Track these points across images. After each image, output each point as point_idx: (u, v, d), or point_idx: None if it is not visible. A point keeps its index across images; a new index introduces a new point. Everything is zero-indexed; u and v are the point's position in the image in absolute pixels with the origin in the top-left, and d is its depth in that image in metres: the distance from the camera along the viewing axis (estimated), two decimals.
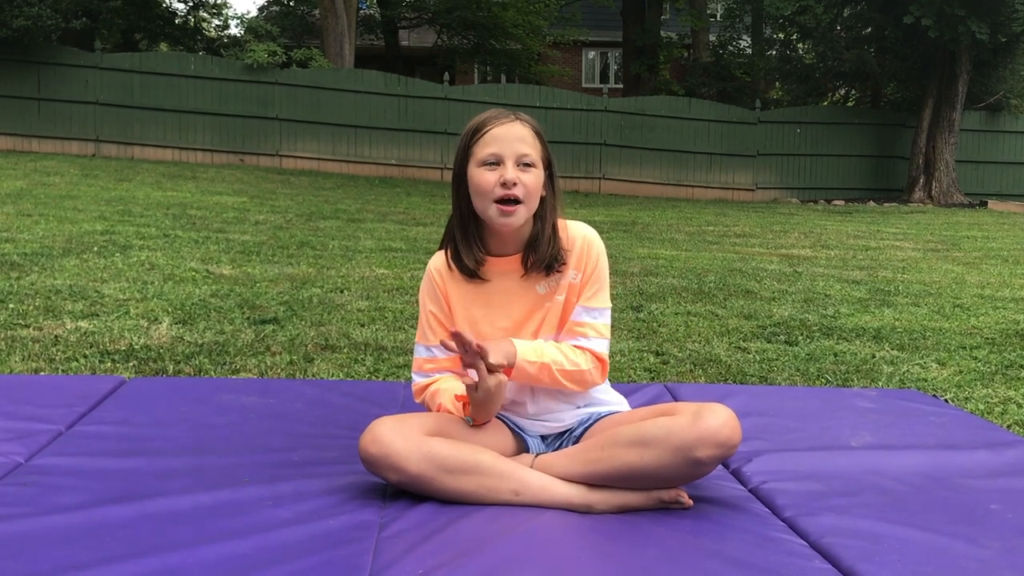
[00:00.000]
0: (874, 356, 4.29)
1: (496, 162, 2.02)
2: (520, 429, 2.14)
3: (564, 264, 2.11)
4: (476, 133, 2.05)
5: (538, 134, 2.08)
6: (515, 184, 2.00)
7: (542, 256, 2.08)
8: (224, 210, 9.58)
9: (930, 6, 15.54)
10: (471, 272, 2.11)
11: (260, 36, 16.89)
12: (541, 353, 2.05)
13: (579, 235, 2.13)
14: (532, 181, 2.03)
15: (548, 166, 2.10)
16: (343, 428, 2.47)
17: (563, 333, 2.12)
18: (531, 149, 2.04)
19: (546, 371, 2.04)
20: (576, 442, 2.12)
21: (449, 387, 2.12)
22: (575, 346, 2.09)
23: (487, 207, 2.03)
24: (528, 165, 2.03)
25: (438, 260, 2.18)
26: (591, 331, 2.10)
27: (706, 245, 9.18)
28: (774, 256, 8.41)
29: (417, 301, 2.23)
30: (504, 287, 2.13)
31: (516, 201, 2.02)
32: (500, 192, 2.01)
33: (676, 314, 5.16)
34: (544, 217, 2.10)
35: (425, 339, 2.17)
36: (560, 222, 2.13)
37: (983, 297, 6.21)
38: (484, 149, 2.03)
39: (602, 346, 2.11)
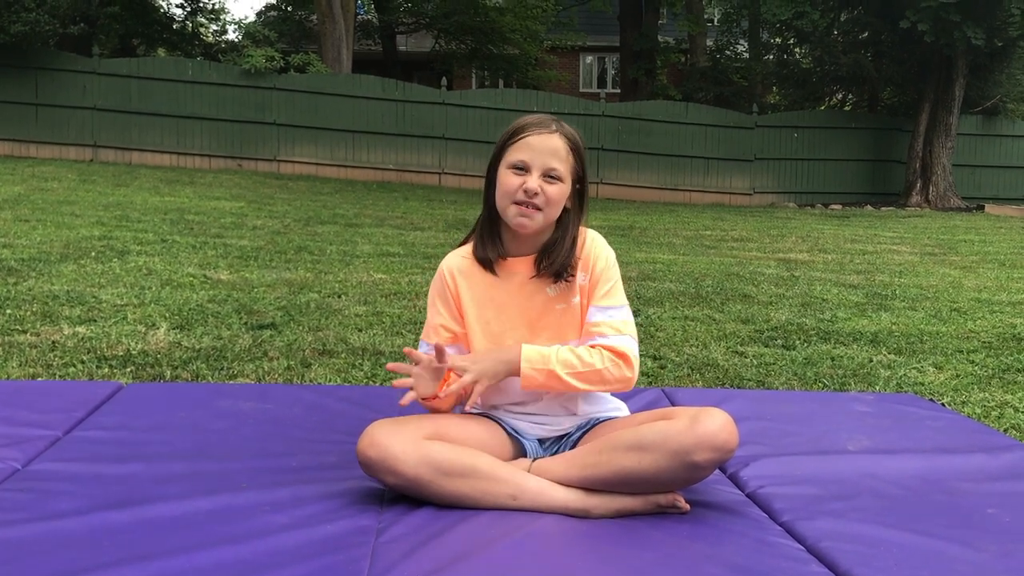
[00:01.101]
0: (871, 360, 4.29)
1: (524, 168, 2.05)
2: (518, 433, 2.15)
3: (572, 275, 2.13)
4: (513, 136, 2.09)
5: (575, 149, 2.10)
6: (536, 194, 2.04)
7: (555, 262, 2.11)
8: (222, 215, 9.58)
9: (926, 11, 15.58)
10: (487, 264, 2.14)
11: (258, 41, 16.92)
12: (548, 360, 2.03)
13: (586, 239, 2.17)
14: (555, 193, 2.06)
15: (580, 180, 2.13)
16: (341, 433, 2.47)
17: (583, 336, 2.13)
18: (561, 163, 2.07)
19: (555, 378, 2.03)
20: (574, 446, 2.12)
21: None
22: (591, 346, 2.08)
23: (507, 207, 2.08)
24: (554, 178, 2.06)
25: (452, 259, 2.20)
26: (607, 328, 2.09)
27: (703, 249, 9.19)
28: (771, 260, 8.42)
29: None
30: (514, 288, 2.15)
31: (535, 207, 2.05)
32: (521, 197, 2.04)
33: (673, 318, 5.16)
34: (566, 227, 2.13)
35: (428, 337, 2.18)
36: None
37: (980, 301, 6.22)
38: (516, 154, 2.07)
39: (621, 342, 2.07)
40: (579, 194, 2.14)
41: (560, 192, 2.07)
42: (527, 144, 2.06)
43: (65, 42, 16.53)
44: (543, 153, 2.05)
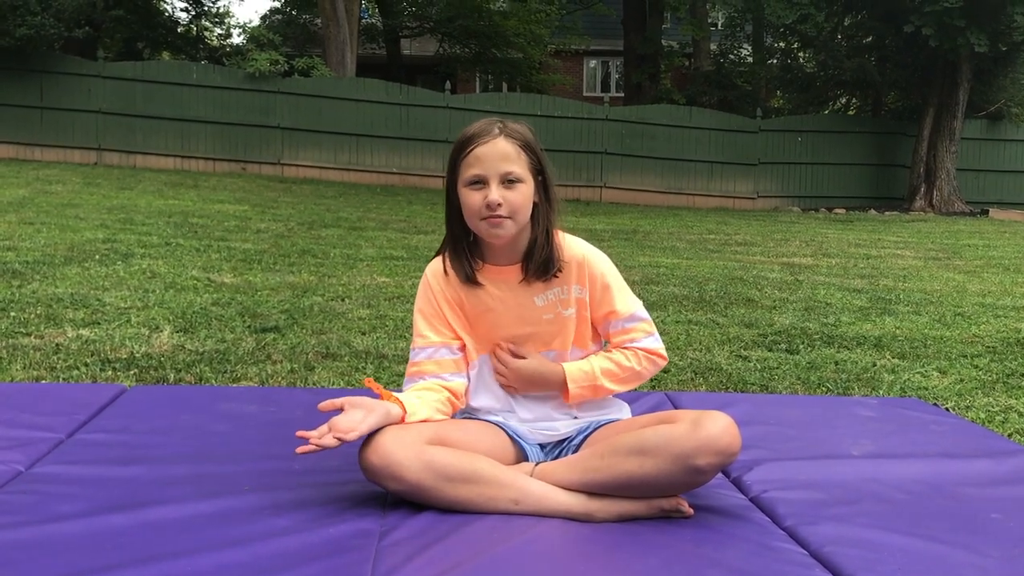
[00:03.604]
0: (875, 364, 4.29)
1: (480, 182, 2.03)
2: (519, 437, 2.14)
3: (559, 271, 2.12)
4: (460, 153, 2.06)
5: (525, 146, 2.07)
6: (499, 205, 2.02)
7: (537, 261, 2.10)
8: (226, 218, 9.59)
9: (931, 16, 15.57)
10: (467, 278, 2.13)
11: (262, 45, 16.95)
12: (593, 377, 2.12)
13: (577, 252, 2.15)
14: (517, 198, 2.04)
15: (540, 173, 2.10)
16: None
17: (614, 348, 2.18)
18: (515, 165, 2.04)
19: (601, 390, 2.14)
20: (576, 450, 2.12)
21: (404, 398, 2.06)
22: (625, 348, 2.16)
23: (477, 224, 2.07)
24: (513, 181, 2.04)
25: (436, 265, 2.20)
26: (637, 333, 2.17)
27: (707, 253, 9.18)
28: (775, 264, 8.41)
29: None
30: (502, 297, 2.14)
31: (502, 216, 2.03)
32: (486, 212, 2.03)
33: (677, 322, 5.16)
34: (538, 223, 2.11)
35: (414, 343, 2.18)
36: (559, 235, 2.15)
37: (984, 306, 6.21)
38: (468, 170, 2.04)
39: (651, 342, 2.17)
40: (543, 187, 2.12)
41: (523, 195, 2.05)
42: (476, 157, 2.03)
43: (70, 45, 16.59)
44: (494, 161, 2.02)
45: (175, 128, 15.93)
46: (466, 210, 2.06)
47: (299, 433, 1.86)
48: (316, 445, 1.83)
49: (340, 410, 1.91)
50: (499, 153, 2.03)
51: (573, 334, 2.16)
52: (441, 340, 2.14)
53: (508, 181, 2.03)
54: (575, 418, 2.18)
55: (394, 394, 2.02)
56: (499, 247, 2.12)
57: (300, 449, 1.84)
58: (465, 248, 2.14)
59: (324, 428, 1.87)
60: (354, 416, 1.89)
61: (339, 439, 1.84)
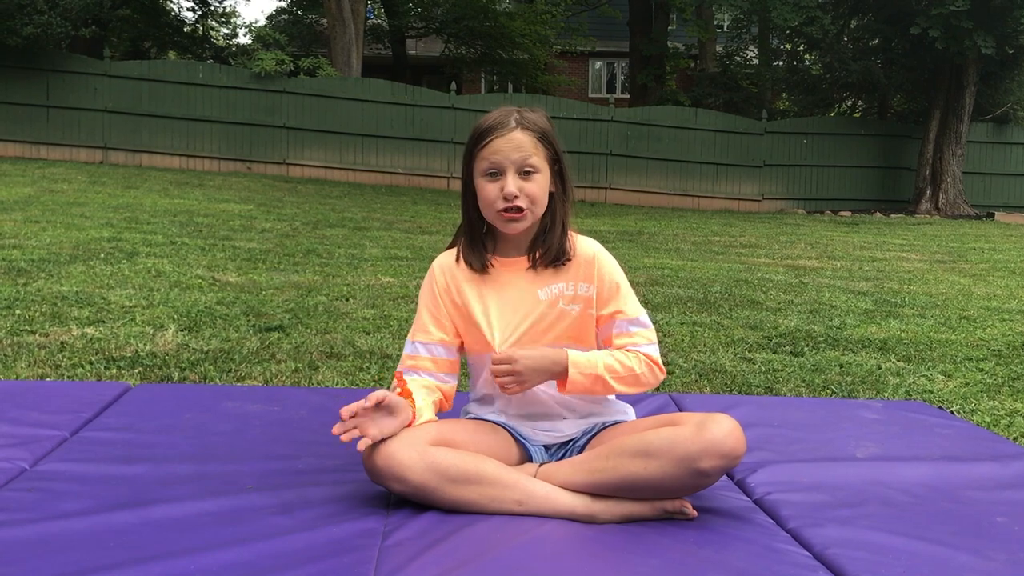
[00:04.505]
0: (880, 367, 4.28)
1: (497, 172, 2.04)
2: (524, 438, 2.14)
3: (568, 260, 2.11)
4: (477, 144, 2.06)
5: (542, 136, 2.07)
6: (516, 196, 2.02)
7: (549, 250, 2.10)
8: (231, 218, 9.61)
9: (937, 18, 15.55)
10: (481, 266, 2.13)
11: (268, 45, 16.99)
12: (595, 365, 2.06)
13: (588, 250, 2.14)
14: (535, 189, 2.05)
15: (556, 161, 2.11)
16: None
17: (613, 346, 2.14)
18: (532, 156, 2.04)
19: (599, 382, 2.06)
20: (580, 452, 2.11)
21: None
22: (627, 350, 2.11)
23: (493, 216, 2.07)
24: (530, 172, 2.04)
25: (444, 259, 2.19)
26: (640, 339, 2.12)
27: (712, 255, 9.17)
28: (780, 267, 8.40)
29: None
30: (508, 290, 2.13)
31: (520, 209, 2.03)
32: (502, 204, 2.03)
33: (681, 324, 5.15)
34: (554, 212, 2.11)
35: (415, 335, 2.16)
36: (571, 232, 2.15)
37: (990, 309, 6.19)
38: (485, 161, 2.05)
39: (652, 350, 2.12)
40: (559, 175, 2.12)
41: (540, 185, 2.06)
42: (493, 148, 2.03)
43: (77, 44, 16.63)
44: (511, 152, 2.03)
45: (181, 127, 15.97)
46: (482, 201, 2.07)
47: (343, 409, 1.89)
48: (349, 439, 1.88)
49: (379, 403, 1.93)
50: (516, 145, 2.03)
51: (575, 331, 2.14)
52: (440, 337, 2.14)
53: (525, 172, 2.04)
54: (580, 418, 2.18)
55: (411, 393, 2.03)
56: (511, 238, 2.12)
57: (337, 430, 1.88)
58: (481, 237, 2.14)
59: (357, 418, 1.89)
60: (386, 425, 1.92)
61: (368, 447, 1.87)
